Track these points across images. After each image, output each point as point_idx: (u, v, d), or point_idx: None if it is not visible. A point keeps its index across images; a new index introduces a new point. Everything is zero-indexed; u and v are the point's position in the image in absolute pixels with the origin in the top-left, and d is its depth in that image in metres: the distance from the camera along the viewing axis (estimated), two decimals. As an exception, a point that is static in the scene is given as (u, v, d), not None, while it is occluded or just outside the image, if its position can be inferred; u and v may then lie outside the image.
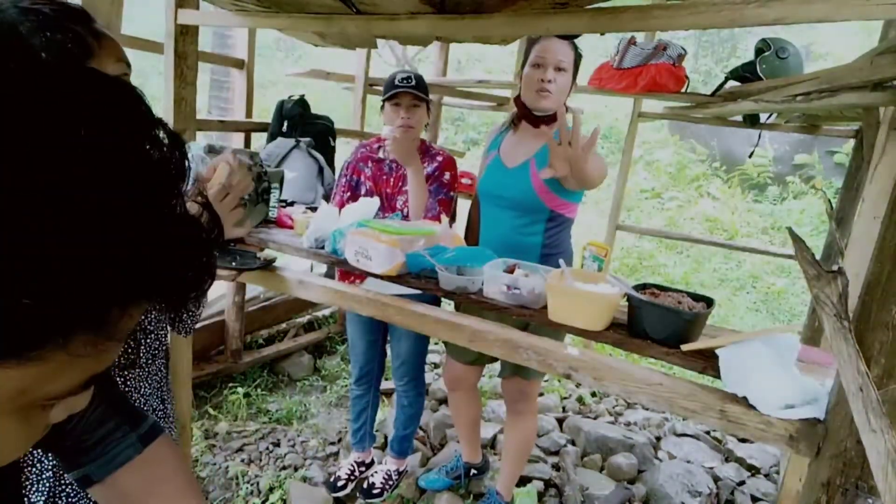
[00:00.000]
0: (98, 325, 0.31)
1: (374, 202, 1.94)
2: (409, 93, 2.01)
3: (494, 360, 2.02)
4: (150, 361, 1.00)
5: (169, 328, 1.18)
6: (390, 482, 2.43)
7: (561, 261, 1.48)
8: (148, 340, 0.95)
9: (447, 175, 2.09)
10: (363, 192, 2.17)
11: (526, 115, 1.92)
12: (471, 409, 2.37)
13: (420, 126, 2.09)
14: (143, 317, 0.92)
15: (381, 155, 2.18)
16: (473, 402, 2.36)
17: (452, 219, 2.20)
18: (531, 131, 1.93)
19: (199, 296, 0.91)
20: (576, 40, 1.89)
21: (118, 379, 1.00)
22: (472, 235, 2.16)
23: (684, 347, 1.22)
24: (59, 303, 0.27)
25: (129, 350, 0.92)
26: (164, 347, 1.13)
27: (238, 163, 1.05)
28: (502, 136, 2.03)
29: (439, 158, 2.12)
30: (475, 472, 2.50)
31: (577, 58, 1.89)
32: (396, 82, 2.05)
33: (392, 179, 2.15)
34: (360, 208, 1.90)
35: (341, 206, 2.11)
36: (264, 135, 3.00)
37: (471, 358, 2.11)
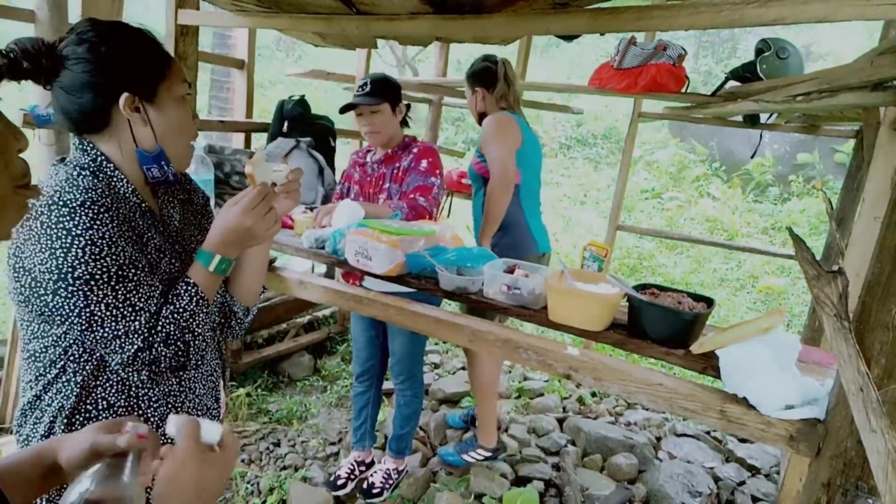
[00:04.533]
0: None
1: (357, 209, 1.89)
2: (358, 104, 2.06)
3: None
4: (200, 363, 1.06)
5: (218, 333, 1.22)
6: (390, 482, 2.43)
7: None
8: (196, 342, 0.99)
9: (424, 163, 2.09)
10: (352, 196, 2.20)
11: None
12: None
13: (387, 128, 2.10)
14: (191, 319, 0.97)
15: (367, 159, 2.23)
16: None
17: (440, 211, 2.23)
18: None
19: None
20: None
21: (174, 379, 1.05)
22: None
23: (694, 349, 1.22)
24: None
25: (179, 353, 0.97)
26: (214, 348, 1.17)
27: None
28: None
29: (415, 150, 2.12)
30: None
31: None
32: (353, 93, 2.10)
33: (373, 180, 2.16)
34: (344, 211, 1.88)
35: None
36: (264, 135, 3.00)
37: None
